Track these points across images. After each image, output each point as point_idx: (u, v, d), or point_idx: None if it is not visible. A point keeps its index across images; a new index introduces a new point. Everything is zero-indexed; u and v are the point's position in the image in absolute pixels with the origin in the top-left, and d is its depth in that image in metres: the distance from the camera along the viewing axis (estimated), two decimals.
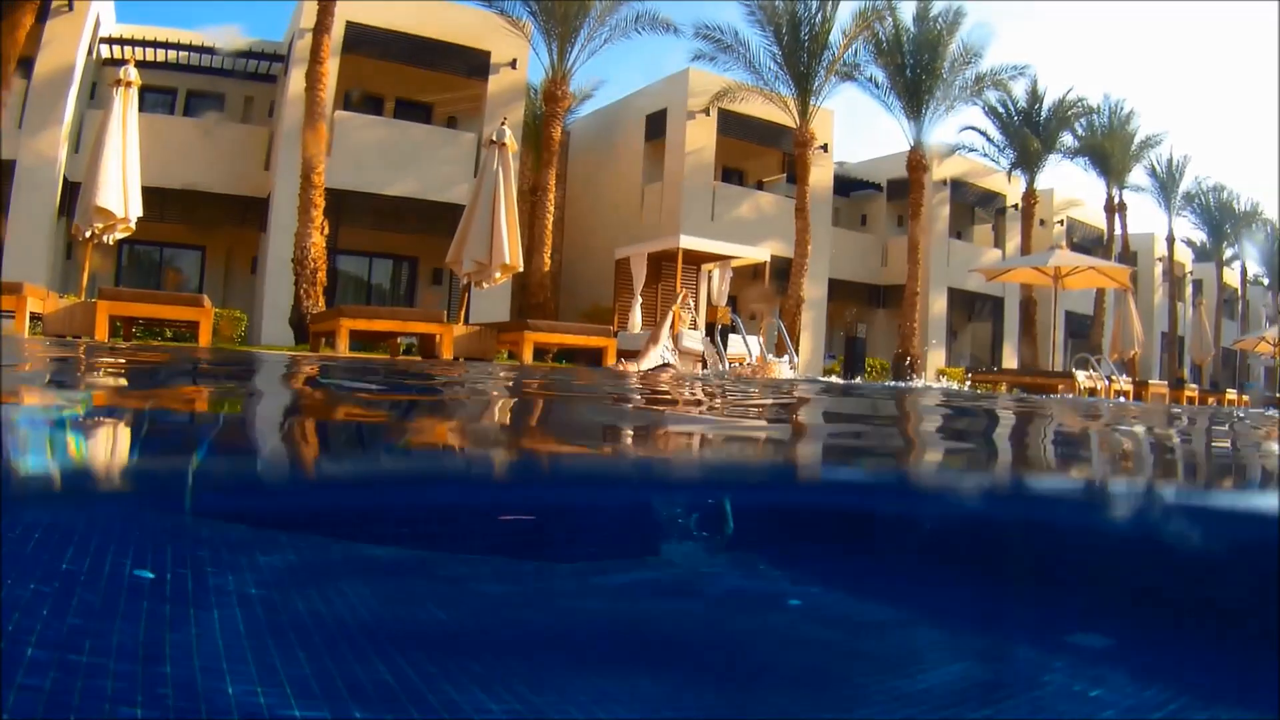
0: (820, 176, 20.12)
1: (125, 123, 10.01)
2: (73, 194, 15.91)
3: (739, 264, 17.30)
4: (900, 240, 22.36)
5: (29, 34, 14.39)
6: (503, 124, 11.83)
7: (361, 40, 17.02)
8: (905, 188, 21.46)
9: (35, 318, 9.03)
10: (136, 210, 10.00)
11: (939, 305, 22.77)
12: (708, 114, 19.75)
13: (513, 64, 18.12)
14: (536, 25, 17.72)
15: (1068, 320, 24.35)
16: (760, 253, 17.13)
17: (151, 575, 1.60)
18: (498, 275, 11.35)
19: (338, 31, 15.52)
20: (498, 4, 17.53)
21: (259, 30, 35.91)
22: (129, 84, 10.14)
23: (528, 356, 10.54)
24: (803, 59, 19.13)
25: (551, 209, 17.39)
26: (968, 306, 24.47)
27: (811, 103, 19.30)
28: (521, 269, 12.07)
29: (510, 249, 11.11)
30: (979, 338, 26.03)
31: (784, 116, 19.41)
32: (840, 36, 19.48)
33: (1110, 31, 79.08)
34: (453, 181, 17.12)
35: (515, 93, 18.19)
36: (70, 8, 16.14)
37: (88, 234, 10.01)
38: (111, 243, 10.60)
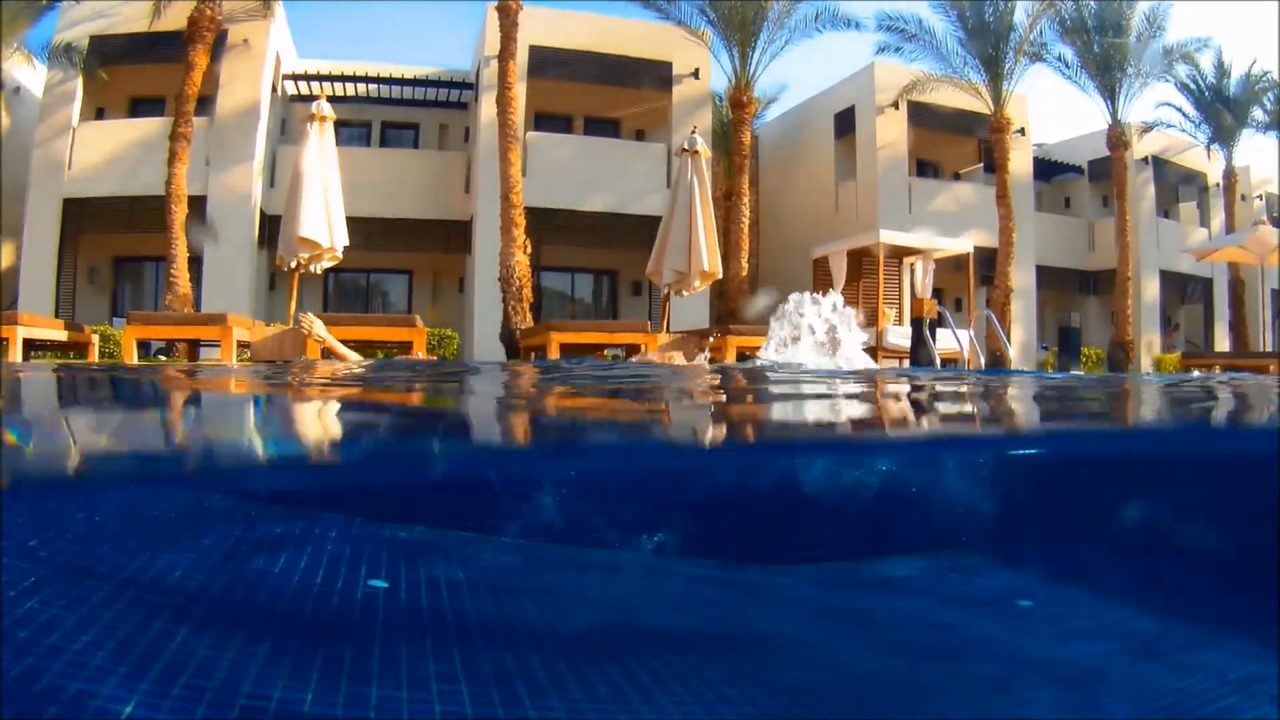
0: (1019, 162, 19.25)
1: (323, 155, 10.26)
2: (270, 227, 16.80)
3: (941, 256, 16.66)
4: (1107, 223, 21.16)
5: (208, 74, 15.32)
6: (693, 132, 11.75)
7: (546, 62, 17.40)
8: (1107, 168, 20.30)
9: (242, 346, 9.32)
10: (343, 240, 10.22)
11: (1151, 289, 21.33)
12: (896, 108, 19.22)
13: (695, 74, 18.12)
14: (716, 33, 17.69)
15: (1275, 299, 22.62)
16: (963, 244, 16.42)
17: None
18: (697, 283, 11.25)
19: (522, 56, 15.86)
20: (675, 15, 17.58)
21: (437, 57, 37.23)
22: (323, 118, 10.36)
23: (732, 360, 10.33)
24: (990, 41, 18.42)
25: (746, 214, 17.19)
26: (1179, 289, 22.90)
27: (1004, 87, 18.52)
28: (720, 275, 11.87)
29: (709, 256, 10.99)
30: (1190, 321, 24.36)
31: (976, 104, 18.68)
32: (1025, 17, 18.73)
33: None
34: (645, 193, 17.18)
35: (700, 102, 18.16)
36: (248, 46, 17.05)
37: (292, 264, 10.30)
38: (319, 272, 10.96)
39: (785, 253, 19.93)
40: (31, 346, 9.59)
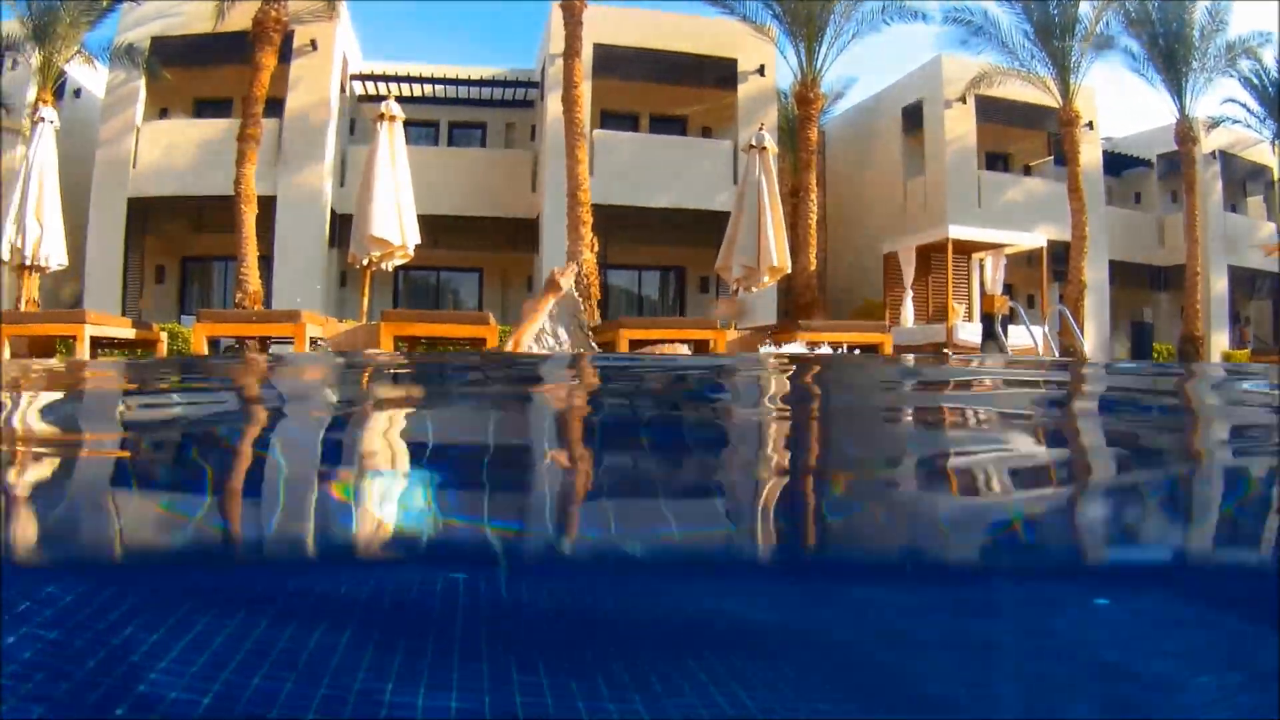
0: (1089, 155, 18.95)
1: (393, 155, 10.38)
2: (341, 226, 16.79)
3: (1013, 251, 16.42)
4: (1176, 217, 20.84)
5: (274, 75, 15.32)
6: (760, 129, 11.74)
7: (611, 60, 17.34)
8: (1176, 162, 20.00)
9: (314, 342, 9.32)
10: (414, 238, 10.34)
11: (1220, 284, 20.97)
12: (964, 101, 18.97)
13: (760, 70, 17.99)
14: (782, 29, 17.52)
15: None
16: (1034, 238, 16.21)
17: None
18: (766, 279, 11.24)
19: (586, 54, 15.78)
20: (741, 11, 17.43)
21: (500, 55, 37.18)
22: (392, 118, 10.51)
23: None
24: (1056, 34, 18.16)
25: (814, 209, 16.99)
26: (1248, 284, 22.53)
27: (1071, 80, 18.24)
28: (789, 271, 11.76)
29: (777, 251, 10.94)
30: (1259, 316, 23.99)
31: (1044, 97, 18.43)
32: (1090, 8, 18.46)
33: None
34: (712, 190, 17.06)
35: (766, 98, 18.04)
36: (314, 48, 17.05)
37: (364, 261, 10.37)
38: (390, 269, 10.98)
39: (853, 248, 19.75)
40: (98, 345, 9.68)
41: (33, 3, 16.34)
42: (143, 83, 17.43)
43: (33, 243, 9.99)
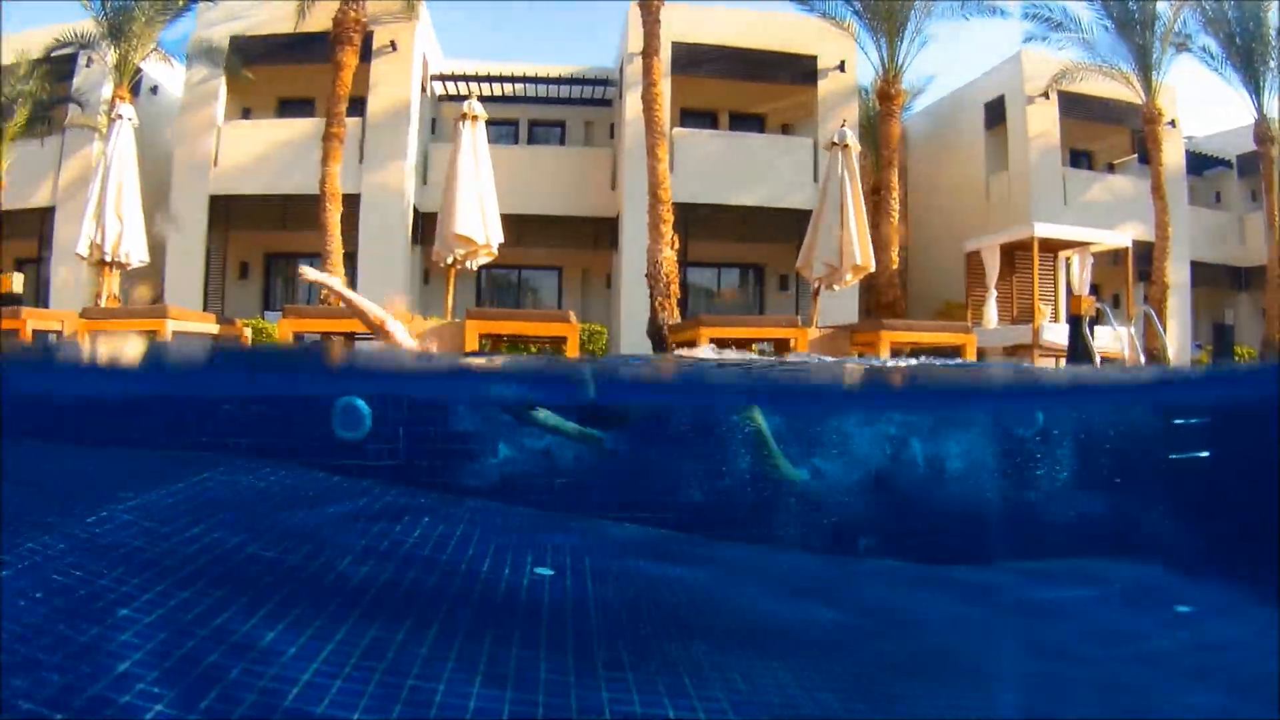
0: (1171, 154, 18.71)
1: (476, 154, 10.44)
2: (423, 224, 16.87)
3: (1099, 250, 16.21)
4: (1256, 216, 20.54)
5: (355, 75, 15.41)
6: (843, 125, 11.66)
7: (689, 58, 17.37)
8: (1256, 162, 19.71)
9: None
10: (497, 236, 10.40)
11: None
12: (1047, 97, 18.76)
13: (840, 66, 17.89)
14: (861, 24, 17.42)
15: None
16: (1121, 238, 15.99)
17: None
18: (849, 277, 11.12)
19: (665, 52, 15.77)
20: (820, 7, 17.37)
21: (579, 54, 37.28)
22: (474, 118, 10.58)
23: (885, 356, 10.04)
24: (1137, 30, 17.95)
25: (895, 207, 16.85)
26: None
27: (1153, 77, 18.03)
28: (873, 269, 11.61)
29: (861, 250, 10.84)
30: None
31: (1128, 93, 18.21)
32: (1168, 6, 18.24)
33: None
34: (793, 188, 17.03)
35: (846, 95, 17.95)
36: (394, 48, 17.15)
37: (449, 260, 10.40)
38: (474, 268, 11.00)
39: (935, 246, 19.59)
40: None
41: (107, 2, 16.54)
42: (223, 81, 17.59)
43: (113, 239, 10.04)
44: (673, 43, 16.68)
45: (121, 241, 10.10)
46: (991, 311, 15.91)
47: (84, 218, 10.18)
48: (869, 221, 13.76)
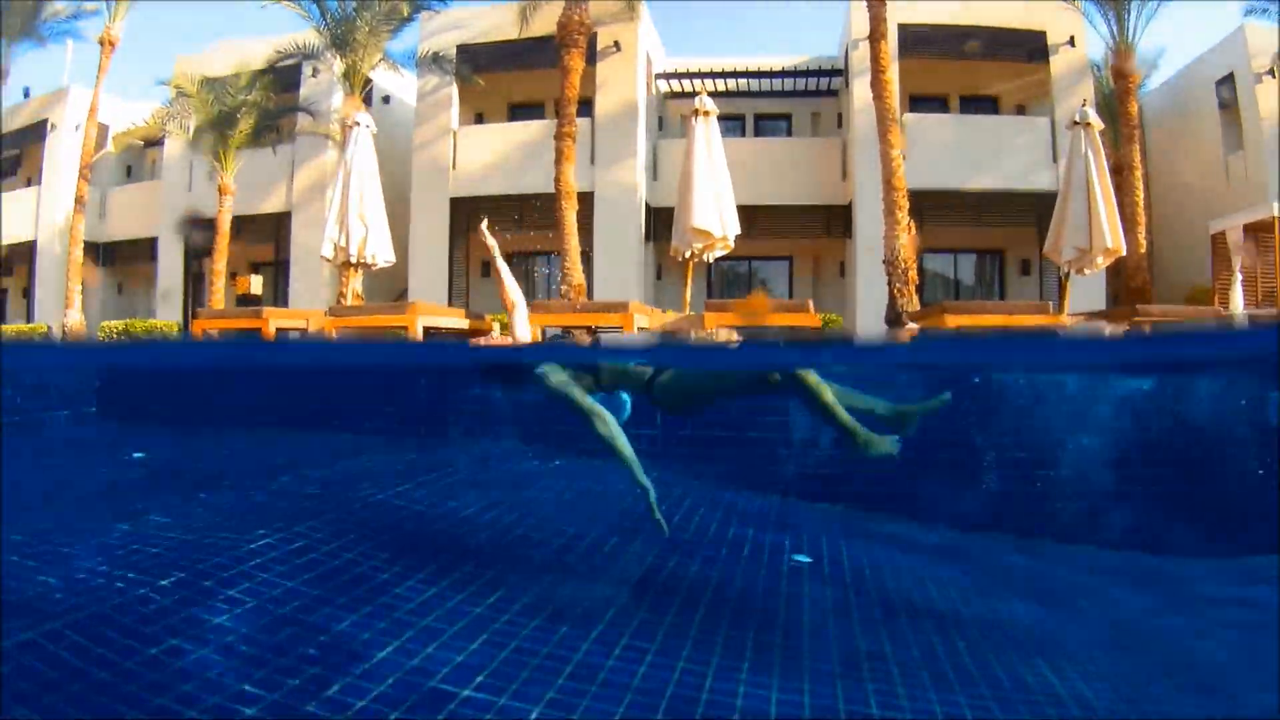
0: None
1: (709, 148, 10.64)
2: (655, 219, 17.33)
3: None
4: None
5: (582, 76, 15.87)
6: (1083, 104, 11.39)
7: (915, 41, 17.18)
8: None
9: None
10: (734, 229, 10.62)
11: None
12: (1273, 75, 17.68)
13: (1070, 41, 17.35)
14: None
15: None
16: None
17: None
18: (1100, 260, 10.83)
19: (891, 36, 15.61)
20: None
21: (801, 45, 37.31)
22: (706, 113, 10.77)
23: None
24: None
25: (1139, 187, 16.31)
26: None
27: None
28: (1124, 252, 11.27)
29: (1111, 232, 10.50)
30: None
31: None
32: None
33: None
34: (1031, 169, 16.71)
35: (1079, 71, 17.42)
36: (618, 49, 17.57)
37: (686, 254, 10.61)
38: (710, 261, 11.19)
39: (1175, 228, 18.79)
40: (428, 336, 10.04)
41: (328, 13, 17.46)
42: (455, 89, 18.48)
43: (358, 242, 10.49)
44: (898, 25, 16.49)
45: (367, 244, 10.56)
46: (1237, 295, 15.33)
47: (326, 222, 10.73)
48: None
